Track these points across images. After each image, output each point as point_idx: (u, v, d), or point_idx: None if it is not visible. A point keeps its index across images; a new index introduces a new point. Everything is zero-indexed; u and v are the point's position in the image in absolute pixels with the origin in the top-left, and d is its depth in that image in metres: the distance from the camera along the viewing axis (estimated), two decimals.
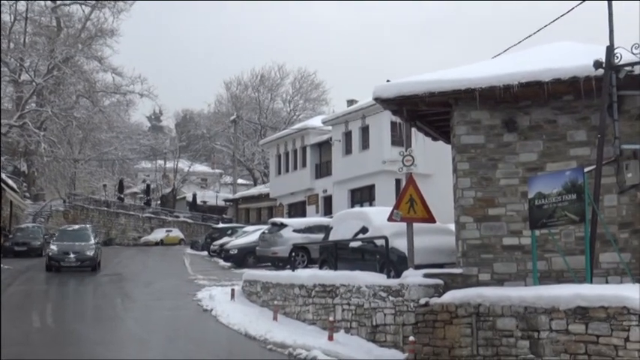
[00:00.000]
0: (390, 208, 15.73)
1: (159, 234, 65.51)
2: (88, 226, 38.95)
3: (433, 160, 29.35)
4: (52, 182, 74.33)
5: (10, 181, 54.65)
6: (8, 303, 21.67)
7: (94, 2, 71.13)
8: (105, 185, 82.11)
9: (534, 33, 16.51)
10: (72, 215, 67.48)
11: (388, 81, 16.78)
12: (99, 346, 15.10)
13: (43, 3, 70.54)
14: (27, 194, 67.57)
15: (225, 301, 21.12)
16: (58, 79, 68.37)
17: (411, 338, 13.05)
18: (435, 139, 18.36)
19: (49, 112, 66.55)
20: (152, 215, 73.52)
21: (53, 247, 32.62)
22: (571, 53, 14.34)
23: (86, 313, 20.14)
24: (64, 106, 69.01)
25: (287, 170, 54.52)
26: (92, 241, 33.69)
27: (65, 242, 32.90)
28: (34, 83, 67.56)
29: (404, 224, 15.34)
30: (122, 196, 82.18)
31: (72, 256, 31.61)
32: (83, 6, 72.01)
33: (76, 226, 38.45)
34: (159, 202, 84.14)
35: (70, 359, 13.88)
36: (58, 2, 71.38)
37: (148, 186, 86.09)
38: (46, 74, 67.61)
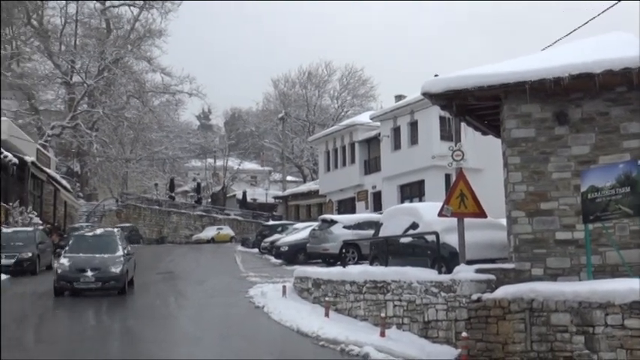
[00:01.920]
0: (440, 204, 15.65)
1: (210, 232, 66.02)
2: (115, 230, 28.23)
3: (483, 154, 29.10)
4: (105, 182, 75.44)
5: (64, 182, 55.61)
6: (64, 300, 22.09)
7: (142, 3, 71.95)
8: (156, 184, 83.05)
9: (583, 25, 16.28)
10: (124, 214, 68.42)
11: (436, 76, 16.71)
12: (153, 344, 15.27)
13: (92, 5, 71.58)
14: (80, 194, 68.67)
15: (276, 298, 21.20)
16: (108, 80, 69.34)
17: (464, 334, 12.97)
18: (484, 133, 18.22)
19: (101, 113, 67.61)
20: (203, 213, 74.15)
21: (63, 261, 23.15)
22: (622, 44, 14.12)
23: (140, 311, 20.37)
24: (114, 106, 70.01)
25: (336, 167, 54.53)
26: (120, 252, 24.14)
27: (81, 254, 23.64)
28: (85, 85, 68.66)
29: (454, 219, 15.25)
30: (173, 194, 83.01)
31: (89, 274, 22.59)
32: (132, 7, 72.97)
33: (99, 231, 27.52)
34: (209, 200, 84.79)
35: (125, 358, 14.07)
36: (107, 4, 72.30)
37: (199, 184, 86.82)
38: (97, 75, 68.60)
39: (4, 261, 29.22)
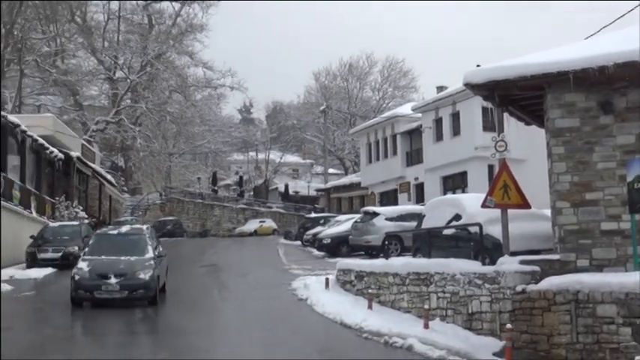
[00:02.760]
0: (484, 195, 15.55)
1: (253, 225, 66.32)
2: (144, 227, 23.86)
3: (527, 144, 28.72)
4: (149, 176, 76.21)
5: (108, 176, 56.32)
6: None
7: None
8: (199, 178, 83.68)
9: (628, 12, 16.04)
10: (168, 208, 69.07)
11: (478, 66, 16.58)
12: (198, 336, 15.41)
13: (134, 1, 72.21)
14: (125, 188, 69.48)
15: (319, 290, 21.25)
16: (151, 75, 69.98)
17: (508, 326, 12.89)
18: (528, 123, 18.05)
19: (144, 108, 68.30)
20: (246, 206, 74.54)
21: (82, 265, 19.64)
22: None
23: (185, 303, 20.56)
24: (157, 101, 70.67)
25: (378, 159, 54.43)
26: (149, 254, 20.50)
27: (104, 257, 20.11)
28: (128, 80, 69.39)
29: (498, 211, 15.14)
30: (216, 188, 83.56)
31: (113, 281, 19.05)
32: (173, 2, 73.45)
33: (124, 229, 23.28)
34: (252, 193, 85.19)
35: (170, 349, 14.23)
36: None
37: (241, 178, 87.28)
38: (140, 71, 69.28)
39: (50, 254, 29.73)
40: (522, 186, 15.22)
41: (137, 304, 18.99)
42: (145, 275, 19.37)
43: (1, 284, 22.42)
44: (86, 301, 19.20)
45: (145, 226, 24.15)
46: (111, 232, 22.53)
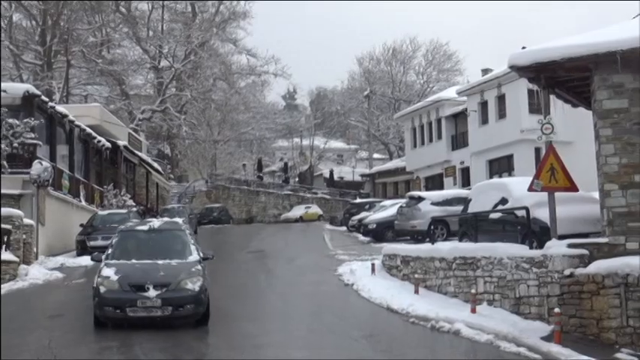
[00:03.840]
0: (530, 178, 15.41)
1: (298, 211, 66.50)
2: (180, 221, 18.23)
3: (574, 126, 28.44)
4: (195, 163, 76.79)
5: (155, 164, 56.90)
6: None
7: None
8: (244, 165, 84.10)
9: None
10: (214, 195, 69.54)
11: (524, 48, 16.39)
12: (245, 322, 15.52)
13: None
14: (171, 176, 70.14)
15: (365, 276, 21.29)
16: (195, 63, 70.41)
17: (557, 310, 12.78)
18: (574, 105, 17.82)
19: (189, 96, 68.80)
20: (291, 192, 74.73)
21: (108, 272, 14.85)
22: None
23: (232, 289, 20.71)
24: (202, 89, 71.11)
25: (422, 143, 54.16)
26: (194, 256, 15.75)
27: (135, 261, 15.40)
28: (173, 69, 69.92)
29: (545, 194, 14.99)
30: (261, 174, 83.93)
31: (152, 293, 14.25)
32: None
33: (157, 223, 17.47)
34: (297, 179, 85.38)
35: (217, 334, 14.36)
36: None
37: (286, 164, 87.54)
38: (184, 59, 69.75)
39: (100, 242, 30.15)
40: (569, 168, 15.05)
41: (186, 326, 14.48)
42: (193, 285, 14.46)
43: (22, 281, 22.71)
44: (115, 321, 14.30)
45: (180, 220, 18.58)
46: (139, 227, 16.88)
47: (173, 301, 14.22)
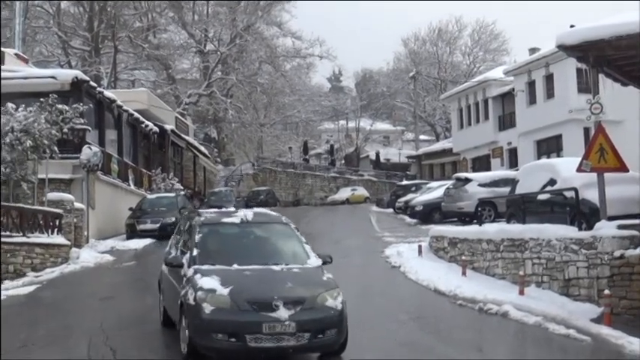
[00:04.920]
0: (579, 159, 15.23)
1: (344, 193, 66.57)
2: (271, 212, 14.13)
3: (623, 105, 27.98)
4: (241, 147, 77.15)
5: (202, 148, 57.35)
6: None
7: None
8: (290, 147, 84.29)
9: None
10: (261, 178, 69.85)
11: (572, 27, 16.16)
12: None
13: None
14: (218, 159, 70.60)
15: (412, 258, 21.26)
16: (240, 47, 70.60)
17: (606, 292, 12.64)
18: (624, 84, 17.53)
19: (235, 80, 69.08)
20: (337, 175, 74.80)
21: (208, 283, 10.41)
22: None
23: None
24: (247, 72, 71.32)
25: (469, 124, 53.77)
26: (314, 259, 11.88)
27: (240, 265, 10.99)
28: (218, 53, 70.21)
29: (594, 175, 14.81)
30: (307, 157, 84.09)
31: (284, 314, 10.03)
32: None
33: (249, 213, 12.78)
34: (343, 161, 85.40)
35: None
36: None
37: (332, 146, 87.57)
38: (230, 43, 69.97)
39: (149, 225, 30.58)
40: (619, 148, 14.83)
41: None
42: (335, 302, 10.52)
43: (74, 264, 23.09)
44: (228, 354, 10.06)
45: (275, 213, 13.82)
46: (227, 219, 12.31)
47: (312, 325, 10.05)
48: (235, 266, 10.81)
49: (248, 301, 9.96)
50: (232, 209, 13.82)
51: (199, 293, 10.11)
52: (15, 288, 18.96)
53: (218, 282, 10.24)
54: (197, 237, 11.58)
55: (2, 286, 19.21)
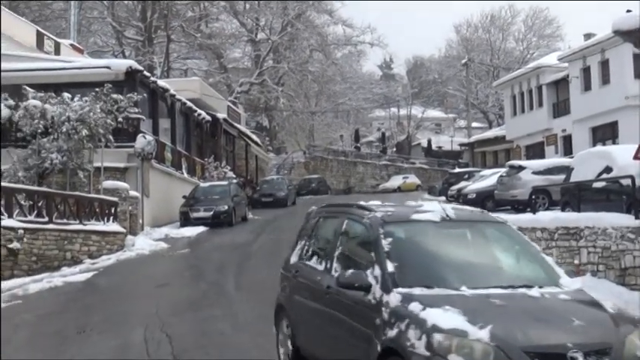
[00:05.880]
0: (636, 146, 14.98)
1: (396, 181, 66.43)
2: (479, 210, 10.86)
3: None
4: (292, 135, 77.41)
5: (254, 136, 57.64)
6: (261, 250, 23.07)
7: None
8: (342, 135, 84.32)
9: None
10: (312, 166, 70.00)
11: (629, 11, 15.87)
12: None
13: None
14: (270, 148, 70.91)
15: None
16: (292, 35, 70.72)
17: None
18: None
19: (286, 68, 69.23)
20: (388, 163, 74.67)
21: (438, 317, 6.48)
22: None
23: None
24: (298, 61, 71.43)
25: (523, 111, 53.17)
26: (567, 278, 7.83)
27: (472, 289, 7.02)
28: (269, 41, 70.40)
29: None
30: (358, 145, 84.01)
31: None
32: None
33: (446, 208, 8.38)
34: (394, 149, 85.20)
35: None
36: None
37: (383, 134, 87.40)
38: (281, 31, 70.13)
39: (202, 213, 30.88)
40: None
41: None
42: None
43: (129, 251, 23.44)
44: None
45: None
46: (421, 216, 8.26)
47: None
48: (468, 290, 6.98)
49: (526, 350, 6.14)
50: (413, 203, 9.37)
51: (437, 337, 6.29)
52: (72, 275, 19.36)
53: (462, 317, 6.45)
54: (384, 243, 7.54)
55: (60, 272, 19.67)
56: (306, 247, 9.47)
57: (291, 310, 9.26)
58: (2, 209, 19.15)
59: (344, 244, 8.40)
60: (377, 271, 7.33)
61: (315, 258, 9.05)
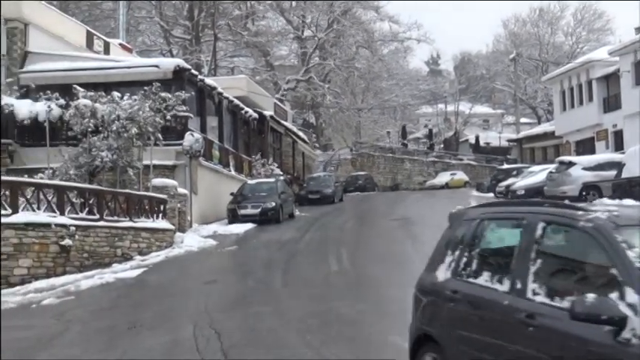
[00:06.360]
0: None
1: (443, 177, 66.06)
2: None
3: None
4: (339, 132, 77.43)
5: (301, 133, 57.79)
6: (309, 248, 23.11)
7: None
8: (388, 132, 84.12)
9: None
10: (359, 163, 69.91)
11: None
12: (393, 288, 15.59)
13: None
14: (317, 144, 70.99)
15: None
16: (338, 32, 70.69)
17: None
18: None
19: (332, 65, 69.25)
20: (436, 159, 74.26)
21: None
22: None
23: (379, 256, 20.82)
24: (345, 57, 71.38)
25: (572, 106, 52.47)
26: None
27: None
28: (316, 38, 70.46)
29: None
30: (405, 141, 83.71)
31: None
32: None
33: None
34: (442, 145, 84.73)
35: (365, 298, 14.49)
36: None
37: (430, 130, 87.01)
38: (327, 28, 70.15)
39: (250, 210, 31.04)
40: None
41: None
42: None
43: (178, 248, 23.63)
44: None
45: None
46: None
47: None
48: None
49: None
50: (632, 202, 6.93)
51: None
52: (123, 271, 19.61)
53: None
54: (631, 256, 5.25)
55: (111, 268, 19.94)
56: (464, 260, 7.22)
57: (450, 346, 6.85)
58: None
59: (544, 257, 6.11)
60: (631, 296, 5.02)
61: (486, 275, 6.74)
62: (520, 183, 36.05)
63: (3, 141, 28.79)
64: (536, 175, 35.51)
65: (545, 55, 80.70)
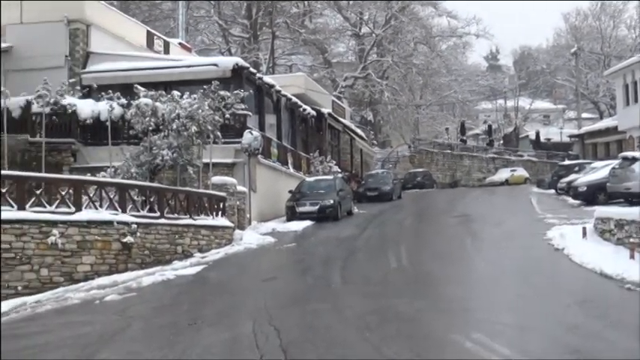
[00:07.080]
0: None
1: (503, 174, 65.40)
2: None
3: None
4: (397, 129, 77.17)
5: (358, 130, 57.74)
6: (367, 245, 23.09)
7: None
8: (447, 128, 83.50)
9: None
10: (417, 159, 69.58)
11: None
12: (452, 285, 15.51)
13: None
14: (374, 142, 70.89)
15: (576, 240, 20.56)
16: (395, 28, 70.51)
17: None
18: None
19: (390, 62, 69.10)
20: (495, 155, 73.49)
21: None
22: None
23: (437, 253, 20.71)
24: (403, 54, 71.18)
25: (636, 101, 51.39)
26: None
27: None
28: (373, 35, 70.39)
29: None
30: (464, 138, 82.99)
31: None
32: None
33: None
34: (501, 141, 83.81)
35: (425, 297, 14.41)
36: None
37: (490, 126, 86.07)
38: (385, 25, 70.01)
39: (308, 208, 31.11)
40: None
41: None
42: None
43: (237, 245, 23.76)
44: None
45: None
46: None
47: None
48: None
49: None
50: None
51: None
52: (183, 268, 19.85)
53: None
54: None
55: (171, 265, 20.21)
56: None
57: None
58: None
59: None
60: None
61: None
62: (582, 179, 35.42)
63: (66, 140, 29.44)
64: (599, 171, 34.85)
65: (607, 48, 79.32)
